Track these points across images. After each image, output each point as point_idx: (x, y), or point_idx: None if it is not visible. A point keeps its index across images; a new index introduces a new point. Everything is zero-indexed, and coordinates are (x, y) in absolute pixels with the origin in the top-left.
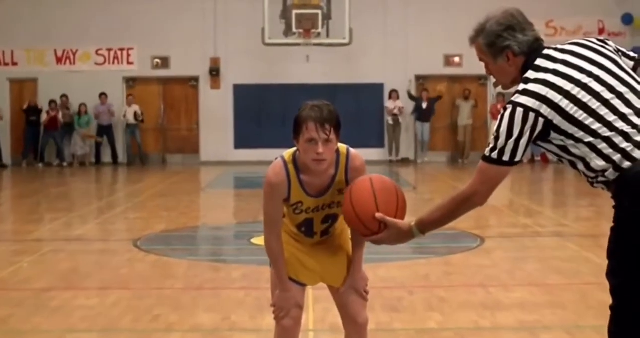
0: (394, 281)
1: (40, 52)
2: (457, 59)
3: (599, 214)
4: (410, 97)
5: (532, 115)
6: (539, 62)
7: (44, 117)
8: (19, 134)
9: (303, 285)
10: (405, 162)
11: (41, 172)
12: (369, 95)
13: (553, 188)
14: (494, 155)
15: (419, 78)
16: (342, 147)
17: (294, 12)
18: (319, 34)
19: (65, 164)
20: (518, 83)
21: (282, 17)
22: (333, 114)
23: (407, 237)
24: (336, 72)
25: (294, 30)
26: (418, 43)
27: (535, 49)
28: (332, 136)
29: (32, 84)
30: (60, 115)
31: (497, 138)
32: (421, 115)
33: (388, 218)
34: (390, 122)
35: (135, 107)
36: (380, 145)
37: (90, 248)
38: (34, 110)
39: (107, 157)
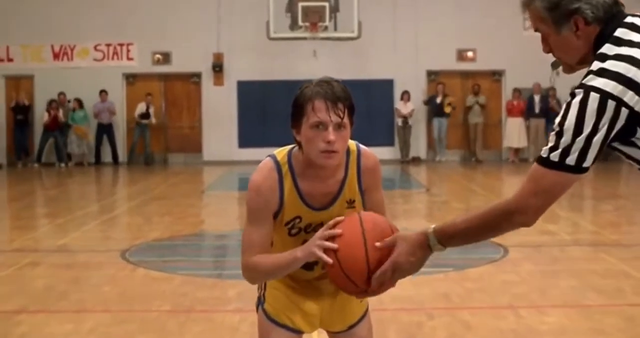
0: (410, 301)
1: (37, 47)
2: (470, 54)
3: (629, 220)
4: (427, 103)
5: (611, 104)
6: (620, 32)
7: (45, 116)
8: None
9: (299, 333)
10: (416, 161)
11: (36, 173)
12: (378, 92)
13: (573, 189)
14: (555, 157)
15: (430, 73)
16: (351, 143)
17: (300, 4)
18: (326, 28)
19: (62, 164)
20: (589, 63)
21: (287, 10)
22: (347, 91)
23: (422, 251)
24: (344, 68)
25: (300, 23)
26: (429, 37)
27: (613, 14)
28: (346, 120)
29: (28, 81)
30: (60, 114)
31: (559, 134)
32: (438, 109)
33: (388, 239)
34: (400, 124)
35: (151, 108)
36: (391, 143)
37: (73, 260)
38: (22, 108)
39: (107, 156)
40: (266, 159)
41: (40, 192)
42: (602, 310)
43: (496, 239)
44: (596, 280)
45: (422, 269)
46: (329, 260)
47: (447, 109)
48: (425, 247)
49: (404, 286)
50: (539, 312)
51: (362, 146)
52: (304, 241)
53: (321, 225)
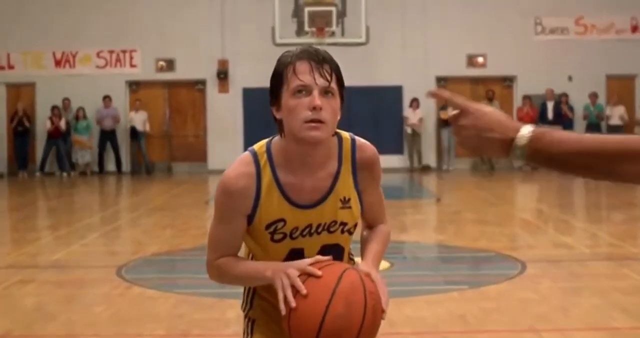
0: (424, 324)
1: (38, 54)
2: (480, 59)
3: None
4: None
5: None
6: None
7: (47, 124)
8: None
9: None
10: (426, 169)
11: (38, 183)
12: (386, 98)
13: (588, 198)
14: None
15: (440, 79)
16: (344, 133)
17: (307, 9)
18: (333, 33)
19: (65, 173)
20: None
21: (293, 15)
22: (332, 58)
23: (499, 140)
24: (352, 74)
25: (307, 29)
26: (439, 42)
27: None
28: (334, 86)
29: (29, 88)
30: (62, 123)
31: None
32: (444, 121)
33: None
34: (409, 131)
35: (143, 114)
36: (399, 151)
37: (66, 277)
38: (20, 120)
39: (111, 165)
40: (245, 152)
41: (40, 202)
42: (631, 334)
43: (512, 253)
44: (621, 298)
45: (435, 286)
46: (282, 307)
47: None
48: (506, 144)
49: (417, 306)
50: (563, 336)
51: (358, 138)
52: (292, 250)
53: (310, 230)
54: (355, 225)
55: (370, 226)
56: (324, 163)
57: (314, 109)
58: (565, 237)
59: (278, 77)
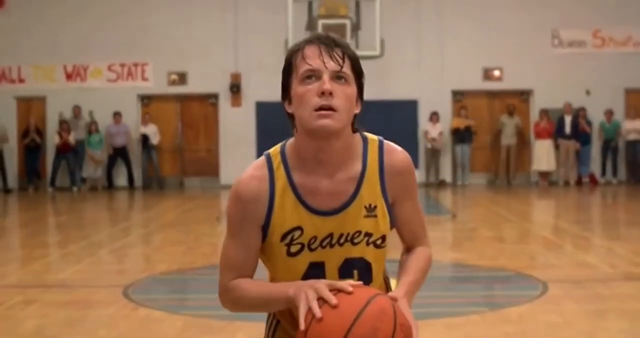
0: None
1: (49, 68)
2: (497, 73)
3: None
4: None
5: None
6: None
7: (55, 139)
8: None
9: None
10: (442, 184)
11: (48, 197)
12: (402, 113)
13: (608, 214)
14: None
15: (456, 93)
16: (371, 134)
17: (320, 22)
18: None
19: (75, 188)
20: None
21: (307, 28)
22: (348, 45)
23: None
24: (366, 87)
25: None
26: (455, 55)
27: None
28: (348, 71)
29: (40, 102)
30: (71, 137)
31: None
32: (459, 136)
33: None
34: (429, 146)
35: (153, 127)
36: (415, 166)
37: (70, 297)
38: (27, 133)
39: (121, 180)
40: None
41: (48, 218)
42: None
43: (533, 272)
44: None
45: (455, 308)
46: (301, 321)
47: (464, 123)
48: None
49: (436, 330)
50: None
51: (388, 141)
52: (311, 264)
53: (331, 241)
54: (384, 239)
55: (408, 248)
56: (343, 163)
57: (323, 94)
58: (586, 256)
59: (287, 66)
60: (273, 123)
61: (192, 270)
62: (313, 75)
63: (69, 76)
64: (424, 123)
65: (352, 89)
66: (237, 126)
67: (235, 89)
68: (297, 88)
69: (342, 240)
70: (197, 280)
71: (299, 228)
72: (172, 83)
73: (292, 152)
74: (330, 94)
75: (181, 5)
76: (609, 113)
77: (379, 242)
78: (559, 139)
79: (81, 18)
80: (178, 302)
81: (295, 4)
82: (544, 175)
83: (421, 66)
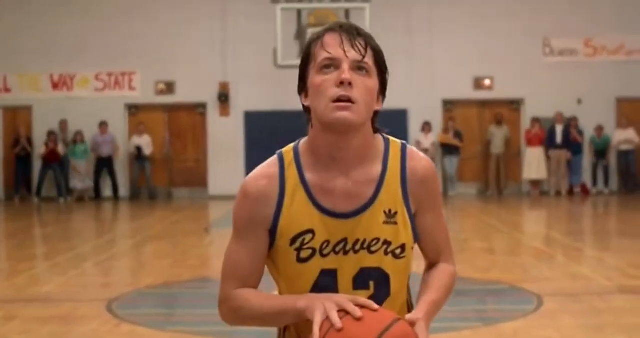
0: None
1: (35, 77)
2: (487, 82)
3: None
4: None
5: None
6: None
7: (42, 149)
8: (13, 166)
9: None
10: None
11: (35, 208)
12: (391, 122)
13: (600, 225)
14: None
15: (446, 103)
16: (393, 138)
17: (310, 31)
18: None
19: (62, 199)
20: None
21: (296, 37)
22: (371, 36)
23: None
24: None
25: None
26: (445, 64)
27: None
28: (370, 62)
29: (26, 112)
30: (60, 148)
31: None
32: (447, 148)
33: None
34: None
35: (147, 138)
36: None
37: (52, 312)
38: (18, 143)
39: (108, 191)
40: None
41: (34, 229)
42: None
43: (527, 286)
44: None
45: (447, 324)
46: (316, 331)
47: (449, 141)
48: None
49: None
50: None
51: (410, 146)
52: (322, 272)
53: (345, 247)
54: (403, 248)
55: (431, 264)
56: (361, 163)
57: (342, 83)
58: (580, 267)
59: (305, 56)
60: (262, 133)
61: (180, 283)
62: (332, 64)
63: (55, 85)
64: (414, 133)
65: (374, 82)
66: (225, 136)
67: (224, 98)
68: (314, 78)
69: (357, 247)
70: (184, 294)
71: (310, 231)
72: (160, 92)
73: (306, 149)
74: (350, 84)
75: (169, 14)
76: (599, 129)
77: (398, 251)
78: (550, 149)
79: (69, 26)
80: (164, 317)
81: (284, 13)
82: (535, 185)
83: (411, 75)
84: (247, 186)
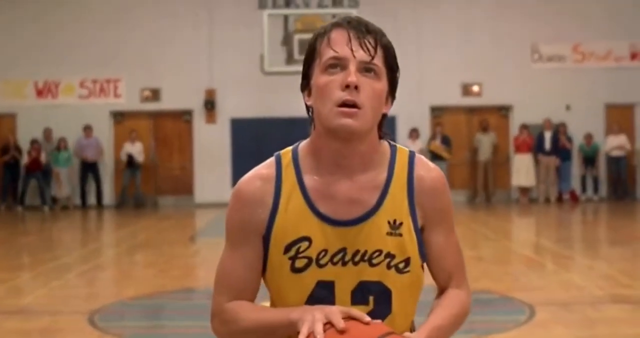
0: None
1: (19, 83)
2: (476, 88)
3: None
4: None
5: None
6: None
7: (24, 158)
8: (1, 174)
9: None
10: None
11: (19, 217)
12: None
13: (589, 233)
14: None
15: (434, 109)
16: (401, 145)
17: (297, 37)
18: None
19: (46, 207)
20: None
21: (283, 43)
22: (382, 32)
23: None
24: None
25: (297, 57)
26: (433, 70)
27: None
28: (380, 63)
29: (10, 119)
30: (43, 156)
31: None
32: (433, 154)
33: None
34: None
35: (139, 146)
36: None
37: (31, 325)
38: (8, 151)
39: (92, 199)
40: None
41: (16, 238)
42: None
43: (518, 295)
44: None
45: None
46: None
47: (434, 147)
48: None
49: None
50: None
51: (419, 155)
52: (319, 284)
53: (344, 257)
54: (407, 262)
55: (442, 289)
56: (366, 168)
57: (348, 87)
58: (572, 276)
59: (310, 52)
60: (248, 140)
61: (164, 294)
62: (338, 64)
63: (39, 93)
64: (402, 140)
65: (382, 85)
66: (211, 143)
67: (210, 105)
68: (318, 77)
69: (357, 258)
70: (168, 305)
71: (307, 238)
72: (146, 99)
73: (307, 151)
74: (356, 87)
75: (154, 21)
76: (589, 137)
77: (401, 265)
78: (539, 155)
79: (53, 33)
80: (147, 329)
81: (270, 19)
82: (524, 192)
83: (399, 81)
84: (241, 188)
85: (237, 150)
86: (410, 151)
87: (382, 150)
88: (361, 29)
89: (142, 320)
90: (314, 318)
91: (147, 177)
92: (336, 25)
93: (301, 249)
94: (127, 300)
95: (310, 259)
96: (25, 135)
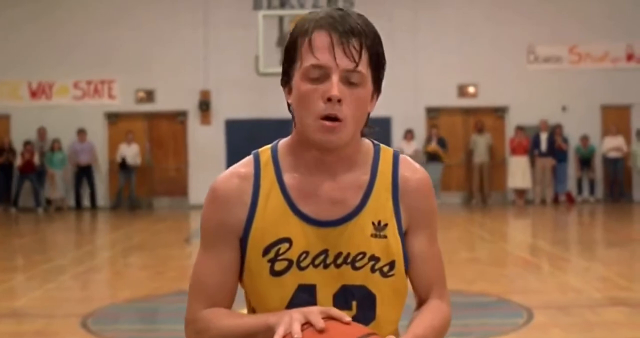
0: None
1: (13, 84)
2: (471, 89)
3: None
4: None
5: None
6: None
7: (18, 160)
8: None
9: None
10: None
11: (13, 219)
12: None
13: (586, 234)
14: None
15: (430, 110)
16: (384, 146)
17: None
18: None
19: (40, 209)
20: None
21: (278, 44)
22: (369, 24)
23: None
24: None
25: None
26: (429, 71)
27: None
28: (364, 70)
29: (4, 120)
30: (36, 158)
31: None
32: (430, 155)
33: None
34: None
35: (135, 147)
36: None
37: (24, 329)
38: (2, 152)
39: (87, 200)
40: None
41: (9, 240)
42: None
43: (515, 298)
44: None
45: None
46: None
47: (433, 149)
48: None
49: None
50: None
51: (404, 155)
52: (300, 287)
53: (325, 259)
54: (392, 265)
55: (421, 300)
56: (348, 168)
57: (330, 100)
58: (569, 278)
59: (290, 50)
60: (243, 141)
61: (158, 297)
62: (319, 71)
63: (33, 94)
64: (397, 141)
65: (367, 90)
66: (206, 145)
67: (205, 106)
68: (299, 84)
69: (339, 261)
70: (163, 308)
71: (287, 240)
72: (140, 100)
73: (286, 149)
74: (339, 100)
75: (149, 22)
76: (585, 139)
77: (386, 269)
78: (535, 156)
79: (47, 33)
80: (142, 333)
81: (265, 20)
82: (520, 193)
83: (395, 82)
84: (216, 186)
85: (232, 152)
86: (395, 151)
87: (364, 150)
88: (346, 32)
89: (137, 323)
90: (291, 318)
91: (141, 179)
92: (318, 26)
93: (281, 251)
94: (121, 302)
95: (290, 261)
96: (19, 136)
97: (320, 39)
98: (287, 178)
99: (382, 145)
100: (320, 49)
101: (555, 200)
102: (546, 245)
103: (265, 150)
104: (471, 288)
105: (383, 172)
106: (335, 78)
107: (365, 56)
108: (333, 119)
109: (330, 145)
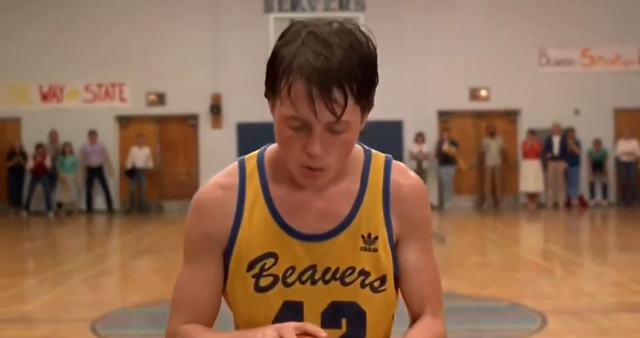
0: None
1: (24, 87)
2: (483, 92)
3: None
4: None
5: None
6: None
7: (30, 163)
8: (4, 180)
9: None
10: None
11: (23, 222)
12: (386, 134)
13: (599, 239)
14: None
15: (441, 114)
16: (375, 151)
17: None
18: None
19: (51, 213)
20: None
21: None
22: (358, 56)
23: None
24: None
25: None
26: (440, 74)
27: None
28: (348, 117)
29: (14, 124)
30: (47, 161)
31: None
32: (443, 158)
33: None
34: (414, 167)
35: (146, 150)
36: None
37: (33, 333)
38: (14, 155)
39: (99, 203)
40: None
41: (20, 244)
42: None
43: (528, 302)
44: None
45: None
46: None
47: (451, 151)
48: None
49: None
50: None
51: (397, 161)
52: (285, 304)
53: (313, 275)
54: (383, 280)
55: (414, 317)
56: (337, 179)
57: (310, 154)
58: (582, 283)
59: (271, 72)
60: (255, 144)
61: (169, 301)
62: (300, 123)
63: (44, 97)
64: (409, 144)
65: (354, 131)
66: (217, 148)
67: (216, 110)
68: (280, 125)
69: (327, 277)
70: None
71: (272, 254)
72: (151, 104)
73: (272, 159)
74: (319, 155)
75: (160, 25)
76: (597, 143)
77: (376, 284)
78: (547, 160)
79: (57, 36)
80: (151, 337)
81: (276, 22)
82: (532, 197)
83: (406, 86)
84: (200, 197)
85: (243, 155)
86: (387, 156)
87: (354, 157)
88: (326, 84)
89: (147, 327)
90: (263, 335)
91: (152, 182)
92: (299, 72)
93: (266, 266)
94: (130, 307)
95: (276, 277)
96: (30, 139)
97: (300, 89)
98: (273, 188)
99: (373, 151)
100: (299, 101)
101: (568, 204)
102: (559, 249)
103: (251, 158)
104: (483, 293)
105: (374, 180)
106: (317, 132)
107: (351, 102)
108: (314, 169)
109: (313, 188)
